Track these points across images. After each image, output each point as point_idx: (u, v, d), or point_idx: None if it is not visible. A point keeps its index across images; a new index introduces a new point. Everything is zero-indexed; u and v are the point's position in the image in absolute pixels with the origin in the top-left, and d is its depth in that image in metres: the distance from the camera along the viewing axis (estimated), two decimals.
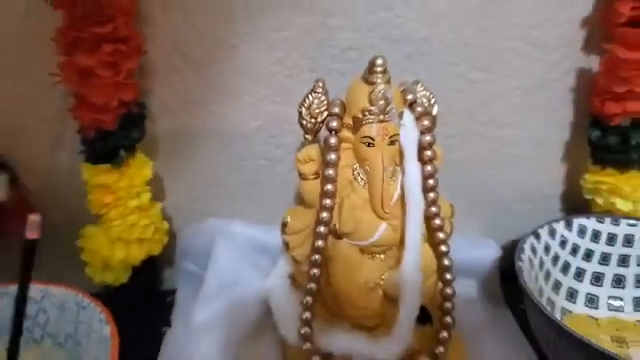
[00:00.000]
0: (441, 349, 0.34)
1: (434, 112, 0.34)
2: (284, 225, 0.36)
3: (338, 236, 0.34)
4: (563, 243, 0.40)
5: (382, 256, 0.34)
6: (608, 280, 0.41)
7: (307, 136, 0.34)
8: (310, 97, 0.33)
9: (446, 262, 0.34)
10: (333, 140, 0.32)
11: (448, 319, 0.34)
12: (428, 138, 0.32)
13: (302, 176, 0.34)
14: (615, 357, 0.28)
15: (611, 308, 0.40)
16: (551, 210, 0.45)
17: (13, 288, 0.30)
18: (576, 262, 0.41)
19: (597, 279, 0.41)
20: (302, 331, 0.34)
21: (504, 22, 0.39)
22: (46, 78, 0.34)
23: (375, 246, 0.33)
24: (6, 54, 0.37)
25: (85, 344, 0.33)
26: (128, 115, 0.35)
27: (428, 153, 0.32)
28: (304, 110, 0.34)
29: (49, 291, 0.34)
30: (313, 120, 0.34)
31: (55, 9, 0.32)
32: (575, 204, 0.44)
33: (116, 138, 0.35)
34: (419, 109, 0.33)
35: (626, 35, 0.35)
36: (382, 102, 0.31)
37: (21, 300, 0.28)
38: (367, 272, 0.34)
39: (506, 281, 0.43)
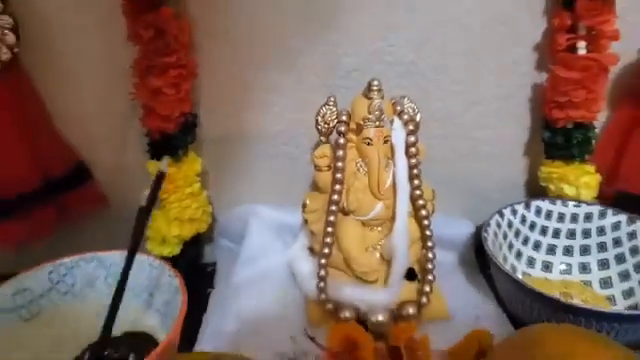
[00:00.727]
0: (424, 300, 0.44)
1: (417, 119, 0.44)
2: (304, 206, 0.47)
3: (345, 213, 0.44)
4: (523, 221, 0.51)
5: (379, 228, 0.44)
6: (560, 250, 0.51)
7: (322, 138, 0.45)
8: (324, 109, 0.44)
9: (427, 232, 0.44)
10: (342, 141, 0.42)
11: (430, 277, 0.44)
12: (412, 139, 0.42)
13: (317, 168, 0.45)
14: (560, 300, 0.38)
15: (562, 272, 0.50)
16: (517, 196, 0.55)
17: (101, 254, 0.41)
18: (534, 236, 0.51)
19: (551, 249, 0.51)
20: (319, 285, 0.44)
21: (478, 46, 0.50)
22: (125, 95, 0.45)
23: (373, 220, 0.44)
24: (98, 78, 0.48)
25: (156, 293, 0.43)
26: (185, 123, 0.46)
27: (413, 150, 0.42)
28: (319, 118, 0.44)
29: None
30: (326, 126, 0.44)
31: (134, 44, 0.43)
32: (534, 190, 0.54)
33: (175, 140, 0.45)
34: (406, 117, 0.43)
35: (564, 59, 0.45)
36: (377, 112, 0.42)
37: (130, 258, 0.38)
38: (367, 240, 0.44)
39: (481, 254, 0.53)
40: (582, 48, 0.45)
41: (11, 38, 0.43)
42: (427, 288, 0.44)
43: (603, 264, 0.49)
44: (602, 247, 0.49)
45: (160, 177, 0.34)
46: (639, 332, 0.37)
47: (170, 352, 0.33)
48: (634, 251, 0.47)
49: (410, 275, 0.45)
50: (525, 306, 0.41)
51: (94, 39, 0.46)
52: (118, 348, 0.39)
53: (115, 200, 0.52)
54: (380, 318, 0.42)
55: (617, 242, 0.48)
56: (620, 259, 0.48)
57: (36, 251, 0.45)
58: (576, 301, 0.46)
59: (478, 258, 0.53)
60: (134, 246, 0.37)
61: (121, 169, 0.51)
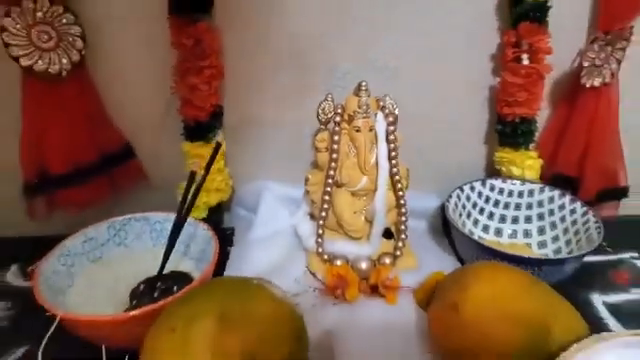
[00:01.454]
0: (398, 253, 0.57)
1: (396, 113, 0.56)
2: (306, 180, 0.59)
3: (338, 185, 0.56)
4: (480, 195, 0.63)
5: (364, 197, 0.57)
6: (508, 219, 0.63)
7: (321, 126, 0.57)
8: (324, 104, 0.56)
9: (402, 202, 0.57)
10: (337, 129, 0.55)
11: (403, 236, 0.57)
12: (392, 128, 0.55)
13: (317, 150, 0.57)
14: (497, 250, 0.51)
15: (509, 236, 0.63)
16: (476, 175, 0.66)
17: (148, 214, 0.54)
18: (488, 208, 0.64)
19: (502, 218, 0.64)
20: (317, 241, 0.57)
21: (447, 56, 0.62)
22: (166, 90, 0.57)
23: (360, 191, 0.56)
24: (144, 75, 0.60)
25: (192, 244, 0.55)
26: (213, 112, 0.58)
27: (392, 137, 0.55)
28: (320, 111, 0.56)
29: (169, 217, 0.57)
30: (325, 117, 0.56)
31: (176, 49, 0.55)
32: (490, 171, 0.67)
33: (206, 126, 0.58)
34: (387, 111, 0.55)
35: (511, 67, 0.58)
36: (365, 107, 0.54)
37: (186, 214, 0.50)
38: (355, 206, 0.57)
39: (445, 222, 0.65)
40: (525, 59, 0.57)
41: (80, 44, 0.54)
42: (400, 244, 0.57)
43: (541, 230, 0.62)
44: (540, 217, 0.62)
45: (217, 146, 0.47)
46: (555, 275, 0.50)
47: None
48: (562, 219, 0.60)
49: (387, 234, 0.58)
50: (477, 259, 0.54)
51: (143, 44, 0.58)
52: (166, 282, 0.51)
53: (153, 174, 0.65)
54: (364, 266, 0.55)
55: (551, 212, 0.61)
56: (553, 226, 0.61)
57: (92, 214, 0.57)
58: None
59: (443, 226, 0.65)
60: (190, 205, 0.49)
61: (159, 150, 0.63)
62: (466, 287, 0.42)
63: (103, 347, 0.41)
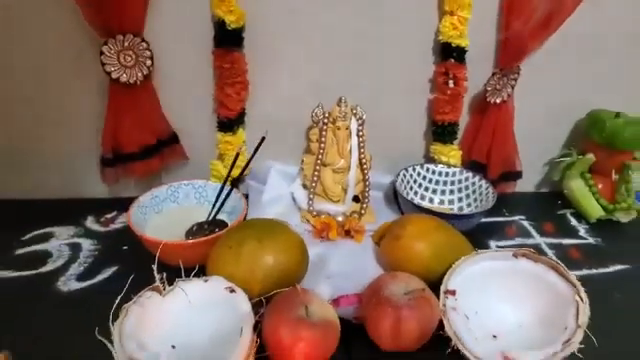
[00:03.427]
0: (363, 211, 0.85)
1: (364, 117, 0.83)
2: (302, 161, 0.86)
3: (324, 165, 0.84)
4: (419, 175, 0.91)
5: (341, 173, 0.83)
6: (438, 192, 0.92)
7: (314, 125, 0.83)
8: (316, 109, 0.81)
9: (366, 177, 0.84)
10: (324, 127, 0.82)
11: (366, 200, 0.85)
12: (360, 128, 0.82)
13: (310, 141, 0.84)
14: (423, 207, 0.80)
15: (438, 203, 0.92)
16: (418, 161, 0.95)
17: (194, 181, 0.79)
18: (424, 183, 0.92)
19: (434, 191, 0.92)
20: (309, 202, 0.84)
21: (398, 78, 0.89)
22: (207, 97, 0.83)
23: (338, 169, 0.83)
24: (195, 88, 0.84)
25: (227, 202, 0.81)
26: (240, 112, 0.84)
27: (360, 134, 0.82)
28: (313, 114, 0.82)
29: (207, 183, 0.83)
30: (316, 118, 0.82)
31: (216, 70, 0.80)
32: (427, 159, 0.95)
33: (234, 122, 0.83)
34: (357, 116, 0.82)
35: (441, 88, 0.86)
36: (343, 113, 0.81)
37: (233, 182, 0.76)
38: (335, 179, 0.84)
39: (396, 194, 0.93)
40: (450, 84, 0.85)
41: (149, 62, 0.79)
42: (364, 206, 0.85)
43: (459, 199, 0.91)
44: (459, 190, 0.91)
45: (262, 139, 0.73)
46: (466, 225, 0.79)
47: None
48: (473, 192, 0.89)
49: (356, 199, 0.86)
50: None
51: (191, 65, 0.82)
52: (210, 225, 0.77)
53: (190, 154, 0.90)
54: (340, 218, 0.83)
55: (467, 187, 0.90)
56: (467, 196, 0.90)
57: (146, 182, 0.82)
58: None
59: (394, 195, 0.93)
60: (239, 175, 0.75)
61: (195, 138, 0.88)
62: (404, 226, 0.70)
63: (180, 261, 0.66)
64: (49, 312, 0.65)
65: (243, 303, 0.58)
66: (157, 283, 0.58)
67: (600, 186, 0.94)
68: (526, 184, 1.00)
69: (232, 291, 0.59)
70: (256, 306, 0.58)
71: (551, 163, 1.01)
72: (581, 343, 0.57)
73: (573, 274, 0.63)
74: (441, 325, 0.61)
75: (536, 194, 1.04)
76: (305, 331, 0.55)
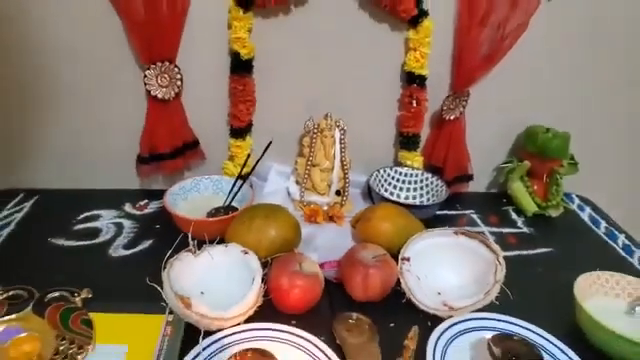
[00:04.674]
0: (343, 202, 1.07)
1: (345, 128, 1.06)
2: (296, 162, 1.09)
3: (314, 165, 1.07)
4: (389, 175, 1.15)
5: (327, 172, 1.06)
6: (404, 189, 1.15)
7: (306, 134, 1.06)
8: (308, 122, 1.04)
9: (347, 176, 1.07)
10: (314, 135, 1.05)
11: (346, 194, 1.08)
12: (343, 137, 1.05)
13: (302, 146, 1.07)
14: (390, 198, 1.03)
15: (405, 198, 1.15)
16: (388, 164, 1.18)
17: (212, 176, 1.02)
18: (393, 182, 1.15)
19: (400, 188, 1.15)
20: (299, 194, 1.07)
21: (373, 98, 1.12)
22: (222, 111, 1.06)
23: (324, 169, 1.06)
24: (214, 104, 1.07)
25: (238, 194, 1.04)
26: (248, 124, 1.06)
27: (343, 141, 1.05)
28: (305, 126, 1.05)
29: (222, 177, 1.05)
30: (308, 129, 1.05)
31: (232, 90, 1.03)
32: (396, 162, 1.18)
33: (244, 131, 1.06)
34: (340, 127, 1.05)
35: (406, 107, 1.09)
36: (329, 125, 1.04)
37: (244, 178, 0.99)
38: (322, 176, 1.07)
39: (370, 190, 1.16)
40: (414, 103, 1.09)
41: (179, 83, 1.01)
42: (344, 199, 1.08)
43: (421, 195, 1.14)
44: (421, 188, 1.14)
45: (269, 144, 0.96)
46: (424, 214, 1.01)
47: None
48: (431, 190, 1.12)
49: (338, 192, 1.08)
50: None
51: (212, 85, 1.05)
52: (226, 209, 0.99)
53: (208, 157, 1.12)
54: (325, 207, 1.06)
55: (427, 185, 1.13)
56: (427, 193, 1.13)
57: (172, 177, 1.05)
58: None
59: (368, 191, 1.16)
60: (250, 170, 0.98)
61: (213, 143, 1.11)
62: (374, 210, 0.94)
63: (205, 233, 0.89)
64: (106, 269, 0.87)
65: (253, 261, 0.81)
66: (190, 247, 0.80)
67: (535, 187, 1.17)
68: (478, 186, 1.23)
69: (246, 253, 0.82)
70: (263, 265, 0.81)
71: (497, 168, 1.24)
72: (501, 296, 0.79)
73: (506, 253, 0.87)
74: (398, 283, 0.83)
75: (486, 194, 1.27)
76: (299, 280, 0.77)
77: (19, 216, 1.01)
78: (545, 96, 1.16)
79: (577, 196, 1.26)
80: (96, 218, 1.01)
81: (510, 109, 1.16)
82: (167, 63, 0.98)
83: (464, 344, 0.76)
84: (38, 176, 1.10)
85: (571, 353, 0.74)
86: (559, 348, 0.75)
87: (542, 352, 0.71)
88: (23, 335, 0.65)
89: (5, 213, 1.01)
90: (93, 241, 0.94)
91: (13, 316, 0.69)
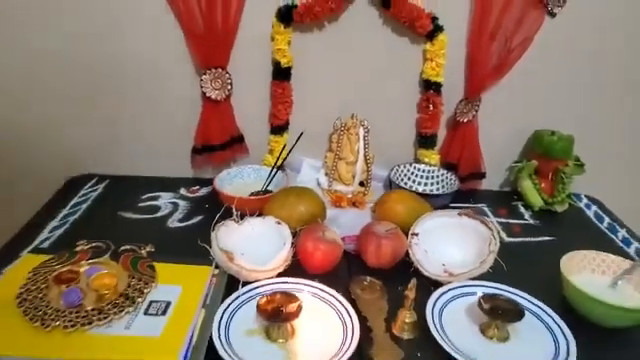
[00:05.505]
0: (365, 192, 1.23)
1: (369, 127, 1.22)
2: (325, 157, 1.26)
3: (340, 159, 1.23)
4: (408, 171, 1.30)
5: (352, 165, 1.22)
6: (422, 182, 1.30)
7: (334, 131, 1.23)
8: (336, 121, 1.21)
9: (369, 169, 1.23)
10: (342, 133, 1.21)
11: (368, 186, 1.24)
12: (367, 134, 1.21)
13: (331, 142, 1.24)
14: (404, 187, 1.18)
15: (422, 191, 1.30)
16: (408, 161, 1.33)
17: (254, 165, 1.21)
18: (412, 177, 1.30)
19: (419, 183, 1.30)
20: (328, 184, 1.23)
21: (398, 105, 1.28)
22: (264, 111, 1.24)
23: (350, 162, 1.22)
24: (257, 105, 1.26)
25: (274, 179, 1.21)
26: (286, 121, 1.24)
27: (366, 138, 1.21)
28: (334, 125, 1.21)
29: (262, 167, 1.23)
30: (336, 128, 1.22)
31: (272, 92, 1.22)
32: (415, 159, 1.33)
33: (282, 128, 1.24)
34: (364, 126, 1.21)
35: (424, 110, 1.24)
36: (355, 124, 1.21)
37: (278, 166, 1.17)
38: (348, 169, 1.23)
39: (390, 183, 1.31)
40: (431, 107, 1.24)
41: (229, 86, 1.20)
42: (367, 188, 1.23)
43: (437, 188, 1.28)
44: (437, 183, 1.28)
45: (301, 134, 1.14)
46: (438, 202, 1.16)
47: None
48: (447, 183, 1.26)
49: (361, 184, 1.24)
50: None
51: (256, 89, 1.24)
52: (264, 192, 1.17)
53: (251, 150, 1.30)
54: (349, 195, 1.22)
55: (442, 180, 1.27)
56: (443, 187, 1.27)
57: (220, 167, 1.24)
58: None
59: (389, 185, 1.31)
60: (282, 161, 1.15)
61: (255, 138, 1.29)
62: (390, 195, 1.09)
63: (247, 209, 1.06)
64: (165, 236, 1.05)
65: (285, 230, 0.97)
66: (234, 217, 0.98)
67: (542, 185, 1.29)
68: (491, 184, 1.36)
69: (279, 223, 0.99)
70: (293, 234, 0.97)
71: (509, 168, 1.37)
72: (495, 267, 0.93)
73: (511, 239, 1.07)
74: (408, 255, 0.98)
75: (498, 192, 1.39)
76: (321, 244, 0.93)
77: (94, 194, 1.21)
78: (551, 103, 1.29)
79: (586, 196, 1.37)
80: (156, 198, 1.21)
81: (520, 113, 1.29)
82: (220, 69, 1.17)
83: (460, 306, 0.89)
84: (110, 164, 1.31)
85: (550, 311, 0.86)
86: (541, 308, 0.87)
87: (525, 310, 0.83)
88: (104, 272, 0.83)
89: (83, 192, 1.22)
90: (154, 215, 1.13)
91: (95, 260, 0.87)
